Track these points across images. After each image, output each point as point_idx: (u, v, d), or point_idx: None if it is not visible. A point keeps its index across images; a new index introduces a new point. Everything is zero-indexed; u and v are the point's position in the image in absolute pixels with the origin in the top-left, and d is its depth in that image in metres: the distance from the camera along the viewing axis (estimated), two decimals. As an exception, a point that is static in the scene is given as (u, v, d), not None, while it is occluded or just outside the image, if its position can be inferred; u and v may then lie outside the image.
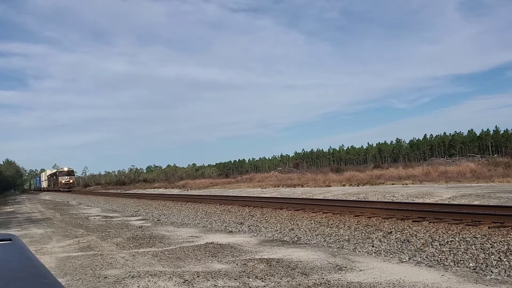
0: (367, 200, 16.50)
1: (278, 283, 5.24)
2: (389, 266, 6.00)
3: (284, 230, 9.83)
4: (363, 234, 8.43)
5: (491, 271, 5.38)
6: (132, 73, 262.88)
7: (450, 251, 6.47)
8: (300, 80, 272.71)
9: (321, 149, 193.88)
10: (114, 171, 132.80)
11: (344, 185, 28.88)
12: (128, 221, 14.25)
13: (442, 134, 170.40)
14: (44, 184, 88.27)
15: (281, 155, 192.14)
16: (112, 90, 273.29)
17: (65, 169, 71.81)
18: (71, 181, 70.47)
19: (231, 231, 10.33)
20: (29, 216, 19.25)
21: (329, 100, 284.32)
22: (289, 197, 20.38)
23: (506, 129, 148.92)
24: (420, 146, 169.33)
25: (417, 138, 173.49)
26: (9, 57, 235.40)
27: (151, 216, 15.41)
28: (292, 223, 10.66)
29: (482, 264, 5.72)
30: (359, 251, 7.15)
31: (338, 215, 11.10)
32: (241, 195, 25.33)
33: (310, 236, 8.79)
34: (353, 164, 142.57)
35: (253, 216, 12.71)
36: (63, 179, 69.55)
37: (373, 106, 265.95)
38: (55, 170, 79.02)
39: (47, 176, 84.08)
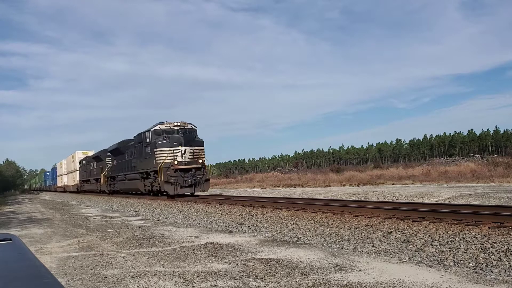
0: (367, 200, 16.50)
1: (278, 283, 5.24)
2: (389, 266, 5.99)
3: (284, 230, 9.82)
4: (363, 234, 8.42)
5: (491, 271, 5.38)
6: (132, 73, 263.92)
7: (450, 251, 6.46)
8: (301, 80, 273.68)
9: (321, 149, 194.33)
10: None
11: (344, 185, 28.89)
12: (128, 221, 14.25)
13: (442, 134, 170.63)
14: (66, 180, 51.15)
15: (281, 155, 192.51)
16: (112, 90, 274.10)
17: (175, 124, 22.38)
18: (201, 160, 21.96)
19: (231, 231, 10.33)
20: (29, 216, 19.25)
21: (329, 100, 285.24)
22: (289, 197, 20.38)
23: (506, 129, 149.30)
24: (420, 146, 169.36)
25: (417, 138, 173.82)
26: (9, 57, 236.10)
27: (151, 216, 15.40)
28: (292, 223, 10.65)
29: (482, 264, 5.72)
30: (359, 251, 7.14)
31: (338, 215, 11.09)
32: (241, 195, 25.33)
33: (310, 236, 8.79)
34: (353, 164, 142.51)
35: (253, 216, 12.70)
36: (175, 158, 21.30)
37: (373, 106, 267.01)
38: (118, 142, 31.45)
39: (81, 161, 43.03)
